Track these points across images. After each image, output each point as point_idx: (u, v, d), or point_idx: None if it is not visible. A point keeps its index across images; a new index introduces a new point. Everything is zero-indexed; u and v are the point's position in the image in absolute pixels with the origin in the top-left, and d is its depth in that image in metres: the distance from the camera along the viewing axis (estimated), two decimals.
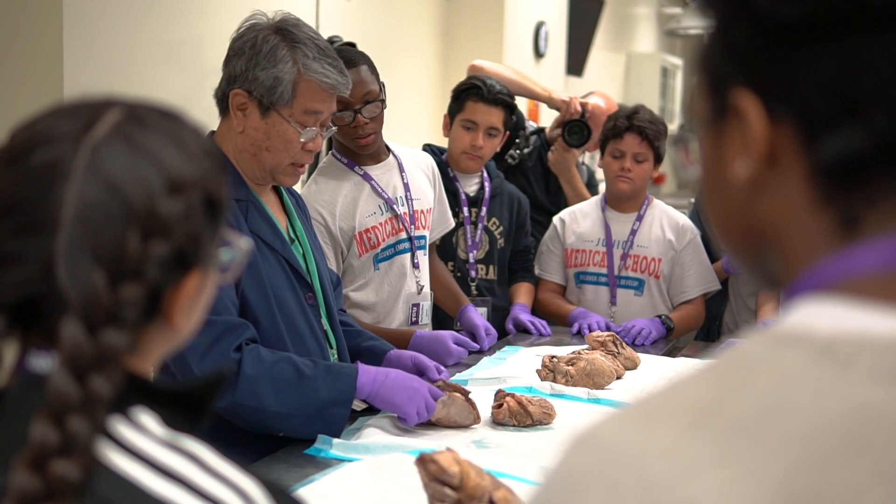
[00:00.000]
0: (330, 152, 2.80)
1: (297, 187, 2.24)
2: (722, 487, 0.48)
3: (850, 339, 0.52)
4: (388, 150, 2.82)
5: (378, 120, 2.66)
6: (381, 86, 2.64)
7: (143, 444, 0.76)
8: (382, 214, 2.71)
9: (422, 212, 2.83)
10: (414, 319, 2.79)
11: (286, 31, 1.94)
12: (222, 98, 1.97)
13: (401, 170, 2.81)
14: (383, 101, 2.65)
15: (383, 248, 2.71)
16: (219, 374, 0.84)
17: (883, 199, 0.55)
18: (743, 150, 0.59)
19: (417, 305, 2.80)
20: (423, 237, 2.84)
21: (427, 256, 2.88)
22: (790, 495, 0.48)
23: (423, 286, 2.81)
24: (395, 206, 2.73)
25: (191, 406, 0.82)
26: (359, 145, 2.67)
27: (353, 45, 3.64)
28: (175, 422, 0.79)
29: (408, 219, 2.76)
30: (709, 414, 0.52)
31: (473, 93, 3.11)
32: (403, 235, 2.75)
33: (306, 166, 2.03)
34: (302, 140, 1.95)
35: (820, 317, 0.54)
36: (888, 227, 0.55)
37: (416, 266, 2.79)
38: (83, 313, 0.74)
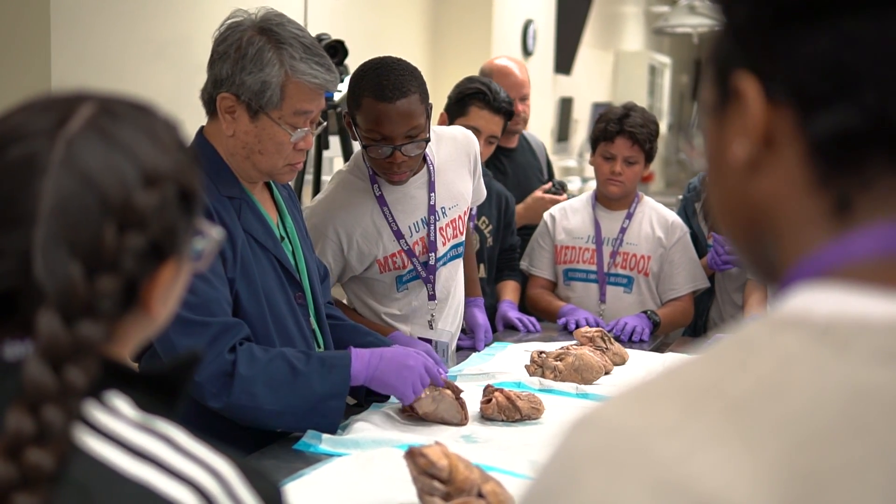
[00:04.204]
0: (359, 151, 2.50)
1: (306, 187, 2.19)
2: (722, 465, 0.49)
3: (849, 322, 0.53)
4: (423, 158, 2.51)
5: (417, 158, 2.39)
6: (428, 111, 2.38)
7: (115, 426, 0.77)
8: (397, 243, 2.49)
9: (452, 222, 2.60)
10: None
11: (271, 32, 1.89)
12: (209, 101, 1.94)
13: (430, 189, 2.53)
14: (428, 140, 2.38)
15: (409, 270, 2.52)
16: (191, 357, 0.85)
17: (876, 183, 0.56)
18: (742, 132, 0.60)
19: (427, 343, 2.45)
20: (458, 244, 2.62)
21: (459, 268, 2.67)
22: (790, 473, 0.48)
23: (433, 319, 2.55)
24: (403, 241, 2.49)
25: (165, 389, 0.83)
26: (389, 181, 2.43)
27: (341, 42, 3.65)
28: (150, 405, 0.80)
29: (425, 244, 2.53)
30: (709, 394, 0.52)
31: (479, 98, 3.04)
32: (410, 267, 2.52)
33: (303, 163, 2.01)
34: (293, 141, 1.93)
35: (818, 301, 0.55)
36: (882, 211, 0.56)
37: (431, 297, 2.56)
38: (60, 305, 0.75)
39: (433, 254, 2.53)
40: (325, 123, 2.07)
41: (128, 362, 0.85)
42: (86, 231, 0.77)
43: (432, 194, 2.54)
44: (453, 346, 2.71)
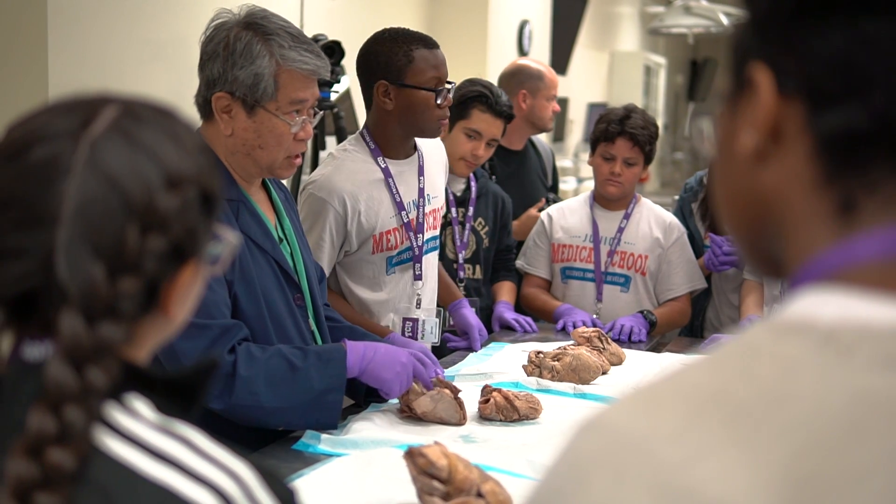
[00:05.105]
0: (360, 132, 2.60)
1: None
2: (727, 471, 0.49)
3: (852, 328, 0.53)
4: (414, 145, 2.66)
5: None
6: None
7: (136, 428, 0.78)
8: (398, 217, 2.56)
9: (434, 211, 2.68)
10: (409, 335, 2.57)
11: (256, 25, 1.91)
12: (204, 103, 1.95)
13: (420, 172, 2.63)
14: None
15: (399, 252, 2.57)
16: (209, 362, 0.85)
17: (881, 187, 0.56)
18: (752, 122, 0.60)
19: (415, 322, 2.60)
20: (436, 237, 2.70)
21: (436, 259, 2.74)
22: (794, 479, 0.48)
23: (420, 298, 2.62)
24: (404, 213, 2.56)
25: (183, 393, 0.84)
26: (440, 127, 2.53)
27: (338, 42, 3.65)
28: (168, 408, 0.81)
29: (415, 225, 2.60)
30: (714, 399, 0.52)
31: (482, 101, 3.06)
32: (407, 244, 2.58)
33: (302, 156, 2.02)
34: (293, 131, 1.94)
35: (822, 306, 0.55)
36: (887, 214, 0.56)
37: (417, 277, 2.62)
38: (82, 305, 0.76)
39: (422, 235, 2.60)
40: (321, 113, 2.07)
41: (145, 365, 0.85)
42: (109, 232, 0.78)
43: (422, 178, 2.63)
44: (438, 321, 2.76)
